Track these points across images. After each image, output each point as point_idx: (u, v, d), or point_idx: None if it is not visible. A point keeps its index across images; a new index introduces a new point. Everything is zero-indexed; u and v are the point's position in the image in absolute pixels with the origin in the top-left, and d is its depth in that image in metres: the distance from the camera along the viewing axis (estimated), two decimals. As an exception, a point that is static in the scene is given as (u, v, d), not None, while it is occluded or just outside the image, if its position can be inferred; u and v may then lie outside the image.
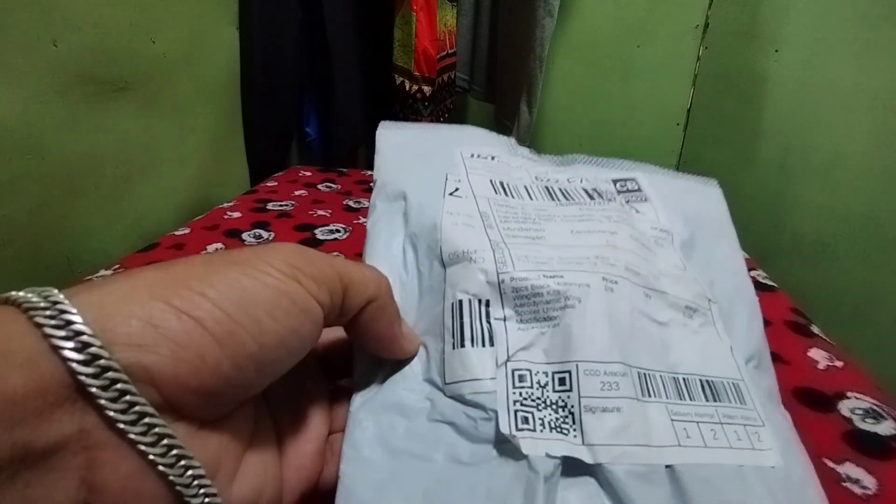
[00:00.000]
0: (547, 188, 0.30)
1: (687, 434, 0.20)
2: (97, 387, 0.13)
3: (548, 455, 0.18)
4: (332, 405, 0.22)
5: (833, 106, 0.77)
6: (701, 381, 0.22)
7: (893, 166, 0.74)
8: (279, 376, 0.18)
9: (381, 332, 0.21)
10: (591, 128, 0.91)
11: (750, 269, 0.50)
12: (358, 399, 0.21)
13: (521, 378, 0.20)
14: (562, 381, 0.20)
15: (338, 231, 0.57)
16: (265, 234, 0.56)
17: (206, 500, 0.15)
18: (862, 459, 0.27)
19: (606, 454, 0.19)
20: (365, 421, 0.20)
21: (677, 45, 0.84)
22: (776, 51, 0.79)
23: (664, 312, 0.23)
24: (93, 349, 0.13)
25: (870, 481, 0.26)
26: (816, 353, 0.37)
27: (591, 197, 0.29)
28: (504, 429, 0.19)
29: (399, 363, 0.22)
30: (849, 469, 0.27)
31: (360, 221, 0.59)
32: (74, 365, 0.13)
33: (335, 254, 0.50)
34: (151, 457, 0.14)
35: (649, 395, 0.20)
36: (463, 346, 0.21)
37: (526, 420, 0.19)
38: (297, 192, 0.69)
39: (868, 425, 0.30)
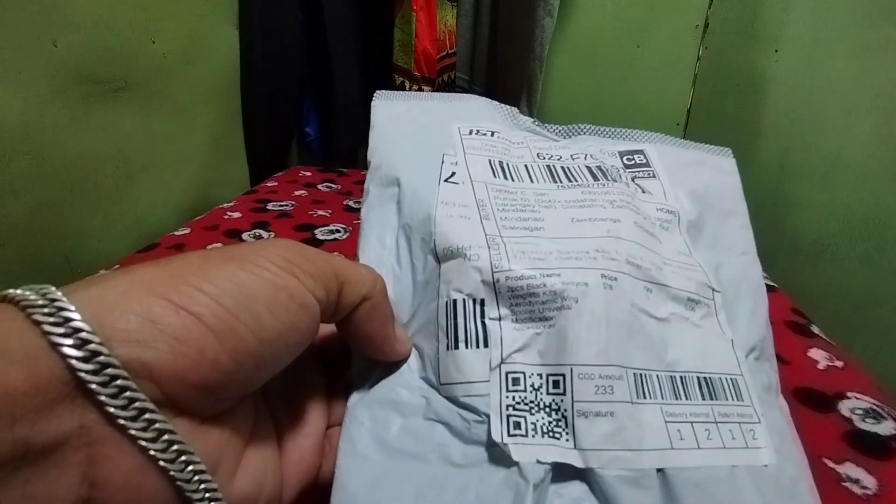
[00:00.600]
0: (549, 167, 0.28)
1: (680, 435, 0.20)
2: (97, 383, 0.13)
3: (538, 461, 0.18)
4: (329, 399, 0.22)
5: (833, 106, 0.77)
6: (699, 378, 0.22)
7: (894, 166, 0.74)
8: (278, 371, 0.18)
9: (374, 331, 0.21)
10: (591, 128, 0.91)
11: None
12: (355, 394, 0.21)
13: (515, 381, 0.20)
14: (556, 384, 0.20)
15: (338, 231, 0.57)
16: (265, 235, 0.56)
17: (208, 494, 0.15)
18: (862, 459, 0.27)
19: (597, 459, 0.18)
20: (361, 416, 0.20)
21: (677, 45, 0.84)
22: (776, 51, 0.79)
23: (665, 307, 0.23)
24: (92, 346, 0.13)
25: (870, 481, 0.26)
26: (816, 353, 0.37)
27: (595, 178, 0.27)
28: (496, 436, 0.19)
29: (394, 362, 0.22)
30: (849, 469, 0.27)
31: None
32: (74, 362, 0.13)
33: (334, 253, 0.50)
34: (152, 452, 0.14)
35: (644, 397, 0.20)
36: (457, 347, 0.21)
37: (518, 425, 0.19)
38: (297, 193, 0.69)
39: (868, 425, 0.30)
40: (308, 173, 0.79)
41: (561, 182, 0.27)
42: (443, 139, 0.28)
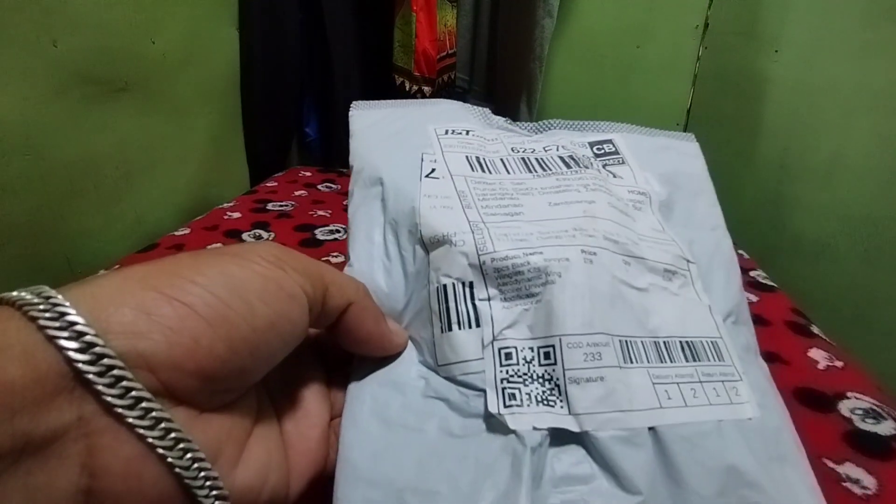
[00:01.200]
0: (524, 160, 0.30)
1: (668, 395, 0.21)
2: (94, 373, 0.13)
3: (535, 428, 0.19)
4: (331, 392, 0.23)
5: (833, 106, 0.77)
6: (681, 342, 0.23)
7: (894, 166, 0.74)
8: (275, 362, 0.18)
9: (370, 330, 0.22)
10: (591, 128, 0.91)
11: (750, 269, 0.50)
12: (356, 378, 0.22)
13: (508, 356, 0.21)
14: (547, 356, 0.21)
15: (338, 231, 0.57)
16: (265, 235, 0.56)
17: (208, 483, 0.15)
18: (862, 459, 0.27)
19: (591, 422, 0.19)
20: (362, 396, 0.21)
21: (677, 45, 0.84)
22: (776, 51, 0.79)
23: (644, 278, 0.24)
24: (88, 338, 0.14)
25: (870, 481, 0.26)
26: (816, 353, 0.37)
27: (567, 166, 0.29)
28: (492, 408, 0.20)
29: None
30: (849, 469, 0.27)
31: (360, 221, 0.59)
32: (71, 353, 0.13)
33: (334, 254, 0.50)
34: (150, 440, 0.14)
35: (631, 362, 0.21)
36: (450, 329, 0.22)
37: (513, 396, 0.20)
38: (297, 193, 0.69)
39: (868, 425, 0.30)
40: (308, 173, 0.79)
41: (536, 171, 0.29)
42: (420, 140, 0.30)
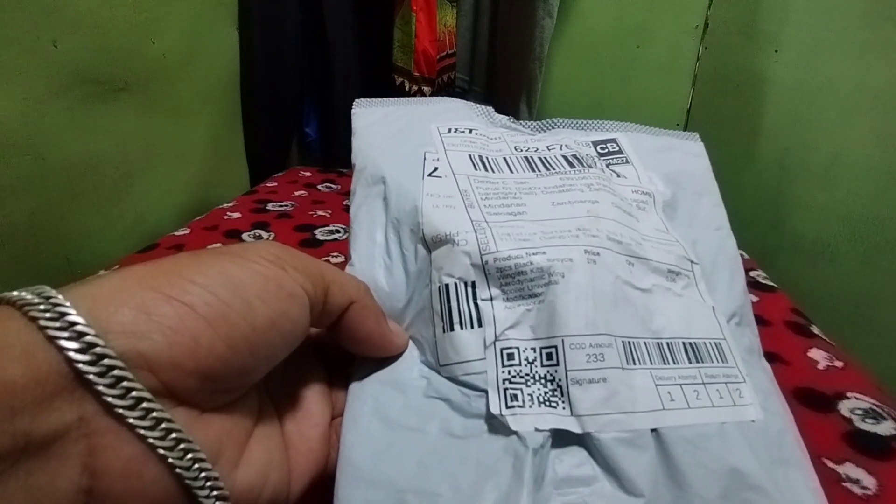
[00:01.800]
0: (527, 158, 0.29)
1: (671, 397, 0.21)
2: (94, 374, 0.13)
3: (536, 429, 0.19)
4: (332, 392, 0.23)
5: (833, 106, 0.77)
6: (684, 343, 0.22)
7: (894, 166, 0.74)
8: (276, 362, 0.18)
9: (371, 329, 0.21)
10: (591, 128, 0.91)
11: (750, 270, 0.50)
12: (358, 377, 0.22)
13: (510, 356, 0.21)
14: (549, 356, 0.21)
15: (338, 231, 0.57)
16: (265, 235, 0.56)
17: (209, 483, 0.15)
18: (862, 460, 0.27)
19: (594, 423, 0.19)
20: (364, 396, 0.21)
21: (677, 45, 0.84)
22: (776, 51, 0.79)
23: (647, 279, 0.24)
24: (88, 338, 0.13)
25: (870, 481, 0.26)
26: (816, 354, 0.37)
27: (571, 165, 0.29)
28: (494, 408, 0.20)
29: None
30: (849, 469, 0.27)
31: (360, 222, 0.59)
32: (71, 353, 0.13)
33: (334, 254, 0.50)
34: (151, 440, 0.14)
35: (634, 363, 0.21)
36: (452, 329, 0.22)
37: (515, 397, 0.20)
38: (296, 193, 0.69)
39: (868, 425, 0.30)
40: (308, 173, 0.79)
41: (539, 171, 0.28)
42: (423, 138, 0.29)
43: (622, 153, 0.30)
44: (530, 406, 0.20)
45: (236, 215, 0.60)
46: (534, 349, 0.21)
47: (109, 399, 0.14)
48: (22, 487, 0.13)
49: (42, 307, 0.14)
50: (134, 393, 0.14)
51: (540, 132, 0.32)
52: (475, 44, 0.88)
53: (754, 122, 0.82)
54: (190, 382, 0.15)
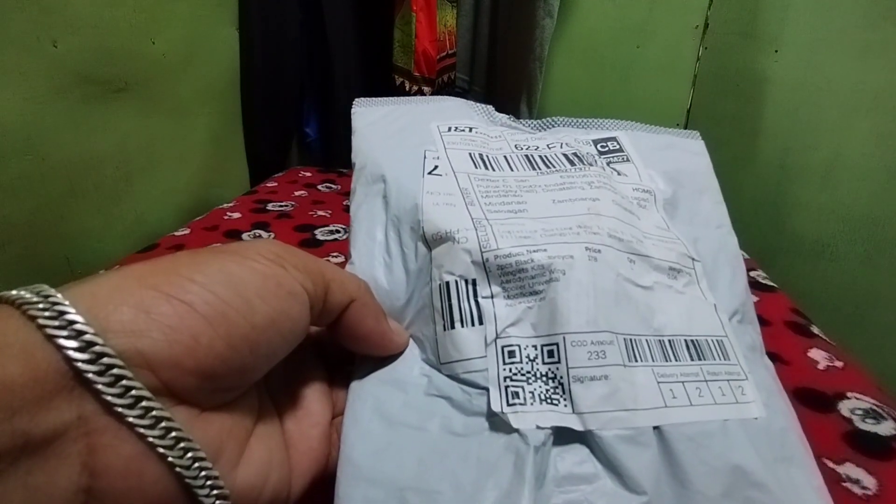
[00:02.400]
0: (527, 157, 0.29)
1: (673, 394, 0.20)
2: (93, 373, 0.13)
3: (538, 427, 0.19)
4: (332, 391, 0.23)
5: (833, 106, 0.77)
6: (686, 341, 0.22)
7: (894, 166, 0.74)
8: (276, 361, 0.18)
9: (371, 328, 0.21)
10: (591, 128, 0.91)
11: (750, 270, 0.50)
12: (358, 376, 0.22)
13: (511, 354, 0.21)
14: (550, 354, 0.21)
15: (338, 231, 0.57)
16: (265, 235, 0.56)
17: (209, 482, 0.15)
18: (862, 460, 0.27)
19: (595, 421, 0.19)
20: (364, 394, 0.21)
21: (677, 45, 0.84)
22: (776, 51, 0.79)
23: (648, 276, 0.24)
24: (87, 336, 0.13)
25: (870, 481, 0.26)
26: (816, 354, 0.37)
27: (571, 163, 0.28)
28: (495, 406, 0.20)
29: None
30: (849, 469, 0.27)
31: (360, 222, 0.59)
32: (70, 352, 0.13)
33: (334, 254, 0.50)
34: (150, 439, 0.14)
35: (636, 360, 0.21)
36: (453, 327, 0.22)
37: (516, 395, 0.20)
38: (296, 193, 0.69)
39: (868, 425, 0.30)
40: (308, 174, 0.79)
41: (540, 169, 0.28)
42: (423, 137, 0.29)
43: (623, 151, 0.30)
44: (531, 404, 0.20)
45: (236, 215, 0.60)
46: (535, 347, 0.21)
47: (109, 398, 0.14)
48: (21, 486, 0.12)
49: (41, 306, 0.14)
50: (133, 392, 0.14)
51: (540, 130, 0.32)
52: (475, 44, 0.88)
53: (754, 122, 0.82)
54: (189, 381, 0.15)
